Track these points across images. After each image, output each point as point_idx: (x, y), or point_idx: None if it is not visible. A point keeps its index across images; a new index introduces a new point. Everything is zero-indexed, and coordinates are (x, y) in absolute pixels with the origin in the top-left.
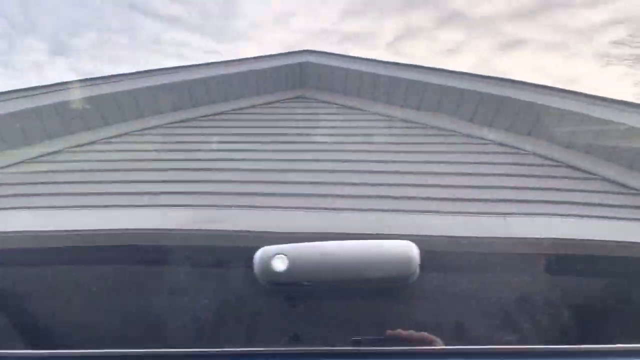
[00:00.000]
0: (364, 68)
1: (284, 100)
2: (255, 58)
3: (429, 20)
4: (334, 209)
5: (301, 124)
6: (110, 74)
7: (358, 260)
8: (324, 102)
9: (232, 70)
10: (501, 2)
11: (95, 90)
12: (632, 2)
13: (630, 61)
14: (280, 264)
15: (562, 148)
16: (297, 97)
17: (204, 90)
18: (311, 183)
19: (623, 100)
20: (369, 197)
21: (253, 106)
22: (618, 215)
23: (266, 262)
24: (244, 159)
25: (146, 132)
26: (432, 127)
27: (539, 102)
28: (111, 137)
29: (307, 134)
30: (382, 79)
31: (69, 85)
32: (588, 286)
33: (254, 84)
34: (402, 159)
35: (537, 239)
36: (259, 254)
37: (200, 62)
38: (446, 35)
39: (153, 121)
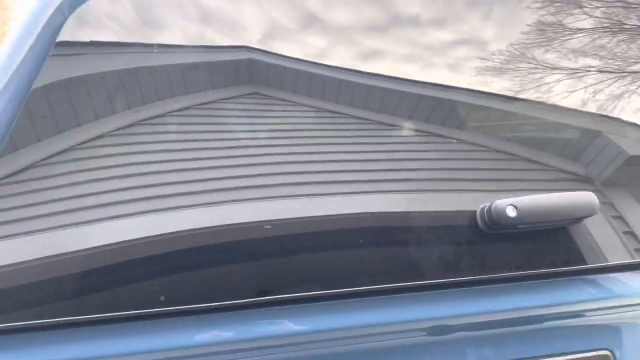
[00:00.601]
0: (309, 69)
1: (241, 96)
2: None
3: (291, 23)
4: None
5: (272, 120)
6: None
7: (563, 207)
8: (278, 99)
9: (184, 60)
10: (355, 15)
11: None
12: (470, 27)
13: (494, 72)
14: (512, 212)
15: (484, 136)
16: (252, 94)
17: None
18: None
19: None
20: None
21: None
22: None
23: (502, 210)
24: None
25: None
26: (378, 123)
27: (458, 100)
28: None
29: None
30: (330, 80)
31: None
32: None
33: (209, 77)
34: (350, 149)
35: None
36: (495, 204)
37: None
38: (310, 40)
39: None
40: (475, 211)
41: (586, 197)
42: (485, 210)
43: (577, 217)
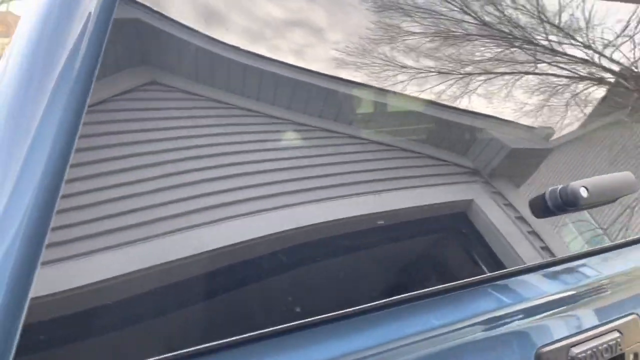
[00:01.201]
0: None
1: (138, 88)
2: None
3: None
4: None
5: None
6: None
7: (617, 187)
8: (182, 91)
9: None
10: None
11: None
12: (300, 7)
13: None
14: (584, 193)
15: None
16: (151, 83)
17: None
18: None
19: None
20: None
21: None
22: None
23: (577, 191)
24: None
25: None
26: (288, 122)
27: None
28: None
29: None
30: (251, 70)
31: None
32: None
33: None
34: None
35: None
36: (572, 186)
37: None
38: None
39: None
40: None
41: (629, 177)
42: (559, 191)
43: (622, 195)
